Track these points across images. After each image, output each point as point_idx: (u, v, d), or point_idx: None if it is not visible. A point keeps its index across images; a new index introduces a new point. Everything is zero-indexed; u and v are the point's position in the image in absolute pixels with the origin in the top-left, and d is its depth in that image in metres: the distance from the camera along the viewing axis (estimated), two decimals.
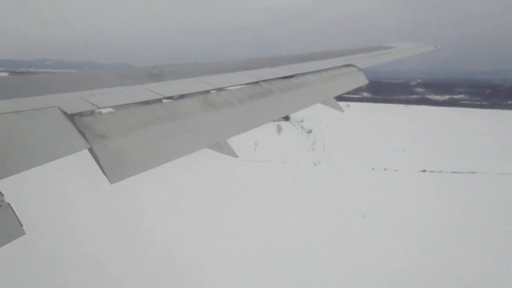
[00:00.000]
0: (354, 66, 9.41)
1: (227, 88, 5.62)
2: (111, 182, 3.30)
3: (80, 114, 3.67)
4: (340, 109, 7.92)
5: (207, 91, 5.30)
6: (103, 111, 3.91)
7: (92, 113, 3.78)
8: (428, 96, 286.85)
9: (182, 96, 4.92)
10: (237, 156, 4.90)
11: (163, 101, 4.61)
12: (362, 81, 9.09)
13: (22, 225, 2.68)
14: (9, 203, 2.68)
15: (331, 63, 9.03)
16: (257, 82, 6.23)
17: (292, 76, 7.17)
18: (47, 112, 3.47)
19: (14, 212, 2.68)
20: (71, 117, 3.54)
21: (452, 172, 78.34)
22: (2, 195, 2.65)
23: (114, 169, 3.38)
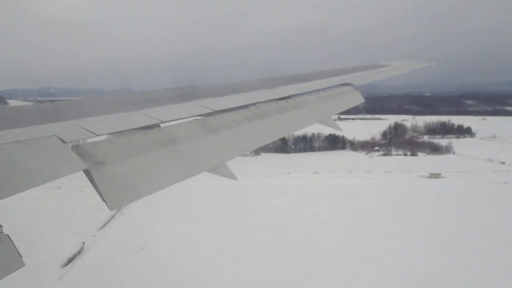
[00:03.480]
0: (351, 84, 9.49)
1: (224, 111, 5.65)
2: (111, 208, 3.29)
3: (78, 142, 3.69)
4: (338, 128, 7.95)
5: (205, 115, 5.33)
6: (101, 138, 3.94)
7: (90, 140, 3.81)
8: None
9: (179, 120, 4.95)
10: (236, 179, 4.90)
11: (161, 125, 4.64)
12: (359, 100, 9.15)
13: (21, 257, 2.67)
14: (7, 235, 2.67)
15: (328, 83, 9.11)
16: (254, 104, 6.28)
17: (289, 97, 7.22)
18: (45, 141, 3.50)
19: (13, 244, 2.67)
20: (69, 145, 3.56)
21: None
22: (1, 226, 2.64)
23: (113, 195, 3.38)
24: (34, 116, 4.31)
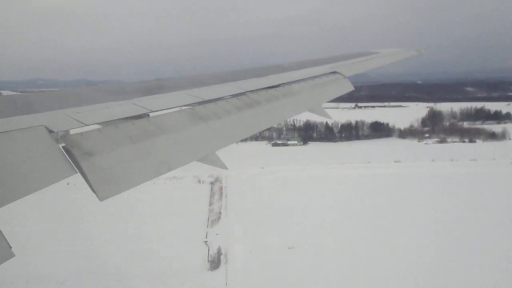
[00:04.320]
0: (339, 73, 9.51)
1: (214, 100, 5.63)
2: (101, 199, 3.28)
3: (67, 132, 3.65)
4: (328, 116, 7.99)
5: (194, 104, 5.31)
6: (90, 128, 3.90)
7: (79, 130, 3.77)
8: None
9: (169, 110, 4.92)
10: (226, 168, 4.91)
11: (150, 115, 4.61)
12: (348, 87, 9.19)
13: (11, 247, 2.65)
14: None
15: (317, 71, 9.12)
16: (243, 93, 6.27)
17: (278, 86, 7.22)
18: (33, 131, 3.45)
19: (3, 235, 2.65)
20: (57, 134, 3.52)
21: None
22: None
23: (103, 186, 3.36)
24: (21, 105, 4.24)
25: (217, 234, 64.81)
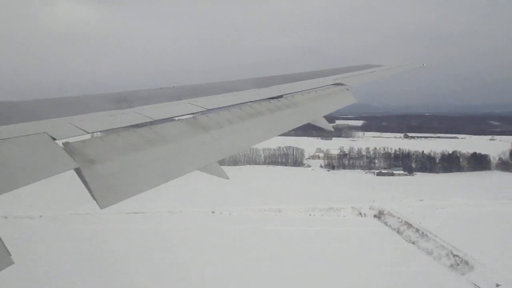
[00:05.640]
0: (343, 84, 9.52)
1: (216, 110, 5.63)
2: (101, 207, 3.26)
3: (69, 139, 3.65)
4: (329, 127, 7.98)
5: (196, 113, 5.31)
6: (92, 135, 3.90)
7: (81, 138, 3.77)
8: None
9: (171, 119, 4.92)
10: (228, 178, 4.89)
11: (152, 124, 4.61)
12: (351, 100, 9.19)
13: (10, 255, 2.63)
14: None
15: (320, 83, 9.13)
16: (246, 103, 6.27)
17: (281, 96, 7.23)
18: (35, 139, 3.45)
19: (3, 242, 2.63)
20: (59, 142, 3.52)
21: None
22: None
23: (104, 194, 3.35)
24: (23, 112, 4.25)
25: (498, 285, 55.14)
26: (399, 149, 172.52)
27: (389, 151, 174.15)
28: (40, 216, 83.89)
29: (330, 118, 8.65)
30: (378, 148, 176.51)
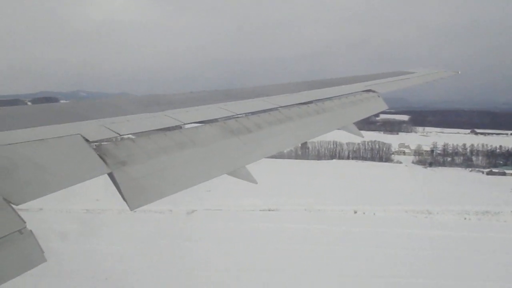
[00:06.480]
0: (374, 91, 9.35)
1: (246, 115, 5.63)
2: (131, 208, 3.30)
3: (102, 141, 3.73)
4: (360, 134, 7.83)
5: (226, 118, 5.32)
6: (124, 138, 3.97)
7: (113, 140, 3.84)
8: None
9: (201, 123, 4.95)
10: (256, 182, 4.86)
11: (183, 127, 4.66)
12: (382, 106, 9.00)
13: (43, 252, 2.68)
14: (31, 230, 2.69)
15: (351, 89, 9.00)
16: (276, 108, 6.25)
17: (311, 102, 7.16)
18: (69, 140, 3.54)
19: (36, 239, 2.69)
20: (92, 144, 3.60)
21: None
22: (24, 222, 2.67)
23: (134, 195, 3.39)
24: (59, 114, 4.37)
25: None
26: (500, 146, 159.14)
27: (486, 148, 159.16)
28: (170, 211, 75.76)
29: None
30: (475, 145, 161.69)
